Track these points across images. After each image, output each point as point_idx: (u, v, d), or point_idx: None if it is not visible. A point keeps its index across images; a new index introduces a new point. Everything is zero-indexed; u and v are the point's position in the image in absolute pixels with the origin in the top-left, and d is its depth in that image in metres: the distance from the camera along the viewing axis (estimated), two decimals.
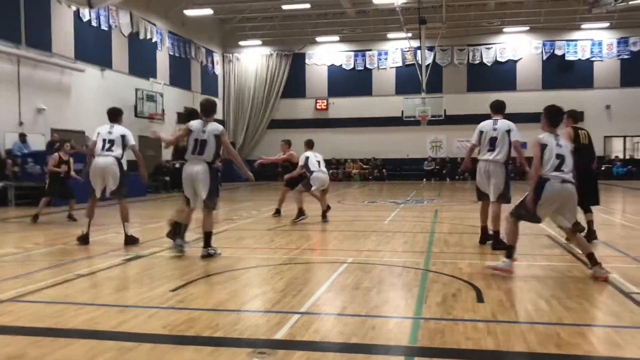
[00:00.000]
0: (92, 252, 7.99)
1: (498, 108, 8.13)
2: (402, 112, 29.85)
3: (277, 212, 12.53)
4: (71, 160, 12.44)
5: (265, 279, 6.36)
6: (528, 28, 30.46)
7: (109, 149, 8.50)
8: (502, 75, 30.82)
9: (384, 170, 31.48)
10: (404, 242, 8.81)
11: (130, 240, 8.56)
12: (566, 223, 6.11)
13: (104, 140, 8.50)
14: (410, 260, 7.20)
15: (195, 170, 7.30)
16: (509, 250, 6.23)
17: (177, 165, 8.45)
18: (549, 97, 29.77)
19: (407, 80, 31.05)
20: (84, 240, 8.57)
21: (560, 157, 6.07)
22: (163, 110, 25.28)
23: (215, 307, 5.00)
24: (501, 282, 5.94)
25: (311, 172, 11.50)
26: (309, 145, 12.10)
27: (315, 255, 7.96)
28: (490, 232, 7.99)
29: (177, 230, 7.78)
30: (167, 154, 24.47)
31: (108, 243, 8.95)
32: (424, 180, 30.03)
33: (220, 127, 7.61)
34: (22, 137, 17.11)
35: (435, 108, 29.32)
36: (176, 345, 4.00)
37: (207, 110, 7.61)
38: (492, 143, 7.75)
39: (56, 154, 12.32)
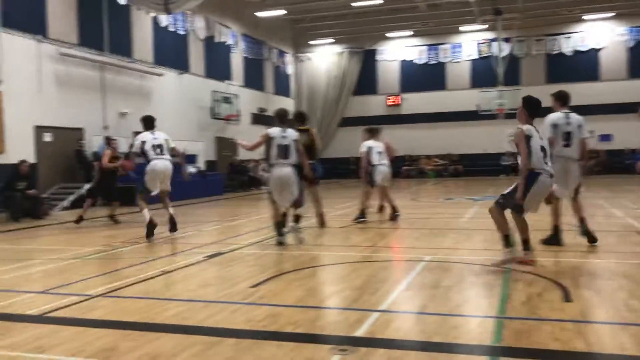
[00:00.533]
0: (175, 250, 8.28)
1: (566, 99, 7.70)
2: (478, 105, 29.10)
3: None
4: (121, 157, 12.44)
5: (342, 277, 6.37)
6: (610, 14, 28.93)
7: (162, 153, 9.25)
8: (583, 65, 29.46)
9: (459, 166, 30.83)
10: (483, 240, 8.58)
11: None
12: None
13: (154, 146, 9.18)
14: (491, 259, 6.98)
15: (285, 173, 7.88)
16: (506, 240, 6.18)
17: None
18: (636, 86, 28.30)
19: (483, 73, 30.26)
20: (152, 228, 9.00)
21: (544, 150, 6.08)
22: (238, 112, 25.86)
23: (295, 303, 5.05)
24: (589, 281, 5.68)
25: (373, 166, 10.75)
26: (372, 133, 11.09)
27: (392, 254, 7.90)
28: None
29: (281, 230, 8.21)
30: (243, 154, 25.05)
31: (189, 241, 9.24)
32: (502, 175, 29.14)
33: (296, 132, 8.19)
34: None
35: (512, 101, 28.32)
36: (259, 340, 4.07)
37: (284, 117, 8.19)
38: (567, 138, 7.36)
39: (108, 150, 12.42)
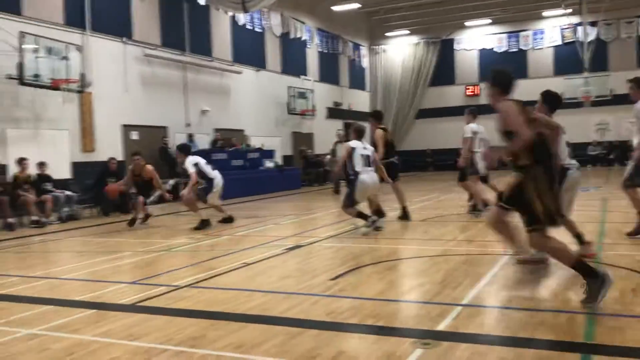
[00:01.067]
0: (255, 242, 8.45)
1: None
2: (562, 93, 27.82)
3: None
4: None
5: (422, 270, 6.29)
6: None
7: (214, 168, 10.97)
8: None
9: None
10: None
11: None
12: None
13: (206, 163, 10.76)
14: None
15: (375, 177, 8.90)
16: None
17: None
18: None
19: (567, 59, 28.90)
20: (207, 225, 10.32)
21: (569, 145, 6.03)
22: (314, 106, 26.04)
23: (375, 296, 5.03)
24: None
25: (475, 152, 9.96)
26: (475, 115, 10.17)
27: (473, 247, 7.71)
28: None
29: (366, 217, 8.90)
30: (319, 149, 25.27)
31: (268, 234, 9.42)
32: (589, 166, 27.80)
33: (372, 148, 9.35)
34: (190, 137, 18.58)
35: (600, 88, 26.93)
36: (340, 332, 4.09)
37: (362, 133, 9.09)
38: None
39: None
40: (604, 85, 26.90)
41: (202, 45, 20.01)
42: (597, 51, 27.86)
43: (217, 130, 19.96)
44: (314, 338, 3.94)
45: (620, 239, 7.42)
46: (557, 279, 5.54)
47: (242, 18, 21.86)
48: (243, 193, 16.86)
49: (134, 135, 17.24)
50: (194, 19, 19.55)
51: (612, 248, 6.85)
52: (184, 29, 19.17)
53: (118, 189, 11.82)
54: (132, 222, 11.29)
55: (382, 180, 9.29)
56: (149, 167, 11.84)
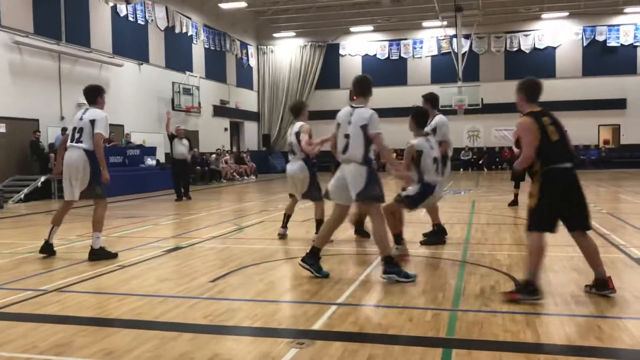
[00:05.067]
0: (133, 244, 8.17)
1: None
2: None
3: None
4: None
5: (302, 271, 6.39)
6: (568, 13, 29.70)
7: None
8: (540, 63, 30.11)
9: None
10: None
11: (97, 254, 7.00)
12: None
13: None
14: (448, 252, 7.15)
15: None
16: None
17: None
18: (590, 84, 29.24)
19: (443, 69, 30.63)
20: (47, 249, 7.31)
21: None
22: (199, 103, 25.59)
23: (254, 297, 5.07)
24: (541, 274, 5.84)
25: None
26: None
27: (350, 247, 7.96)
28: None
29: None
30: (203, 147, 24.77)
31: (146, 236, 9.14)
32: (461, 170, 29.68)
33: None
34: (64, 132, 17.55)
35: (472, 97, 28.79)
36: (216, 335, 4.08)
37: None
38: None
39: None
40: (476, 94, 28.82)
41: (80, 35, 19.00)
42: (470, 62, 29.77)
43: None
44: (188, 342, 3.90)
45: (484, 239, 8.02)
46: (429, 278, 5.87)
47: (123, 9, 21.00)
48: (121, 192, 16.18)
49: (1, 128, 16.01)
50: (71, 7, 18.51)
51: (475, 248, 7.37)
52: (59, 17, 18.09)
53: None
54: None
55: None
56: None
